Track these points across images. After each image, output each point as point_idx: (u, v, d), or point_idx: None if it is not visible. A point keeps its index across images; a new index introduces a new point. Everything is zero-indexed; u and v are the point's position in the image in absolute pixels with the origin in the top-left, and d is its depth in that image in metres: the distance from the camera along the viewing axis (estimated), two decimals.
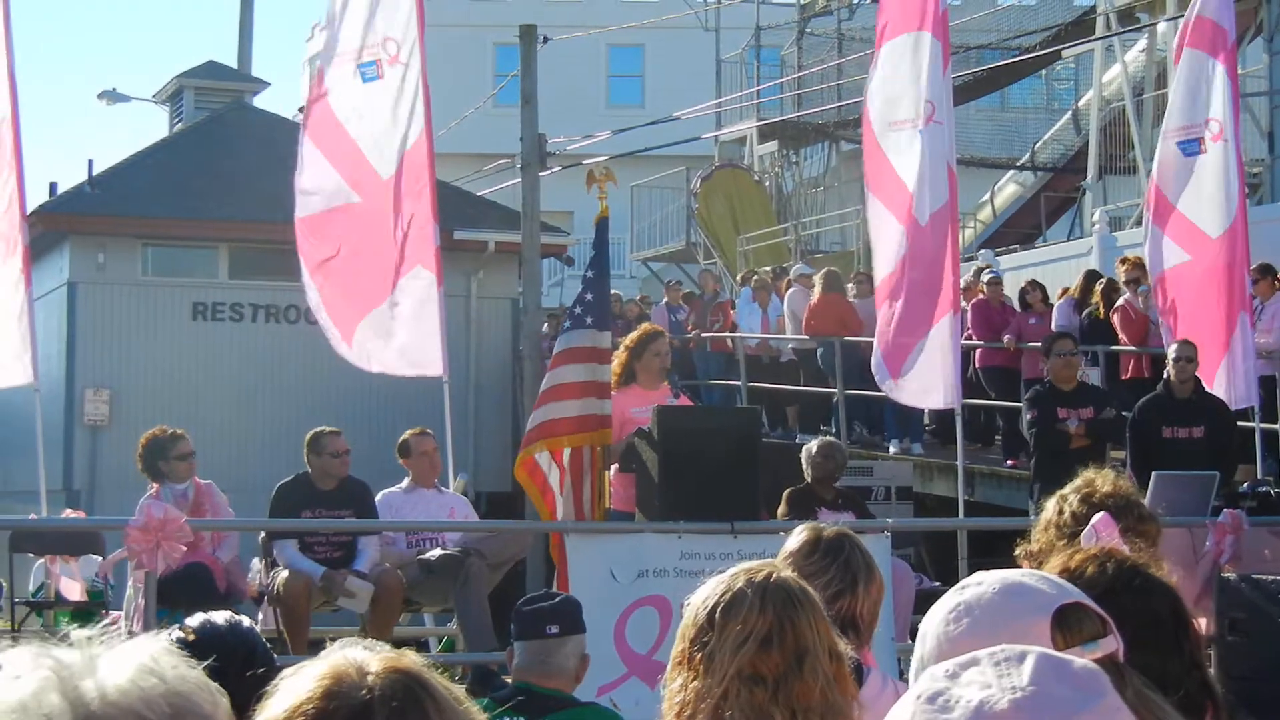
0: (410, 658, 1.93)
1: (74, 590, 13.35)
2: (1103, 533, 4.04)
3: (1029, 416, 13.51)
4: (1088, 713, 1.76)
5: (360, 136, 13.36)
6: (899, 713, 1.84)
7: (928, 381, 12.88)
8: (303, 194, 13.38)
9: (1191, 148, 13.33)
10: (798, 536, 4.56)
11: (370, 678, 1.87)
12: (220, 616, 3.79)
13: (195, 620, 3.75)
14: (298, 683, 1.89)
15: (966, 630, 2.26)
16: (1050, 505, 4.66)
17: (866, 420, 20.89)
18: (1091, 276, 19.28)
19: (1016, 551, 4.73)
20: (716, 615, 3.14)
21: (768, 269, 24.90)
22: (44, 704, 1.55)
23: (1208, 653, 9.04)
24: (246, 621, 3.89)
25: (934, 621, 2.34)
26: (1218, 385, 13.49)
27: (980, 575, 2.42)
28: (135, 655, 1.63)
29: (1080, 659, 1.89)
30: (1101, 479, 4.68)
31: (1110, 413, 13.52)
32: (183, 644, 3.57)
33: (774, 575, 3.23)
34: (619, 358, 11.45)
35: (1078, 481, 4.69)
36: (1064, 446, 13.00)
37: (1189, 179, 13.51)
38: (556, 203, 28.37)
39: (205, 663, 1.72)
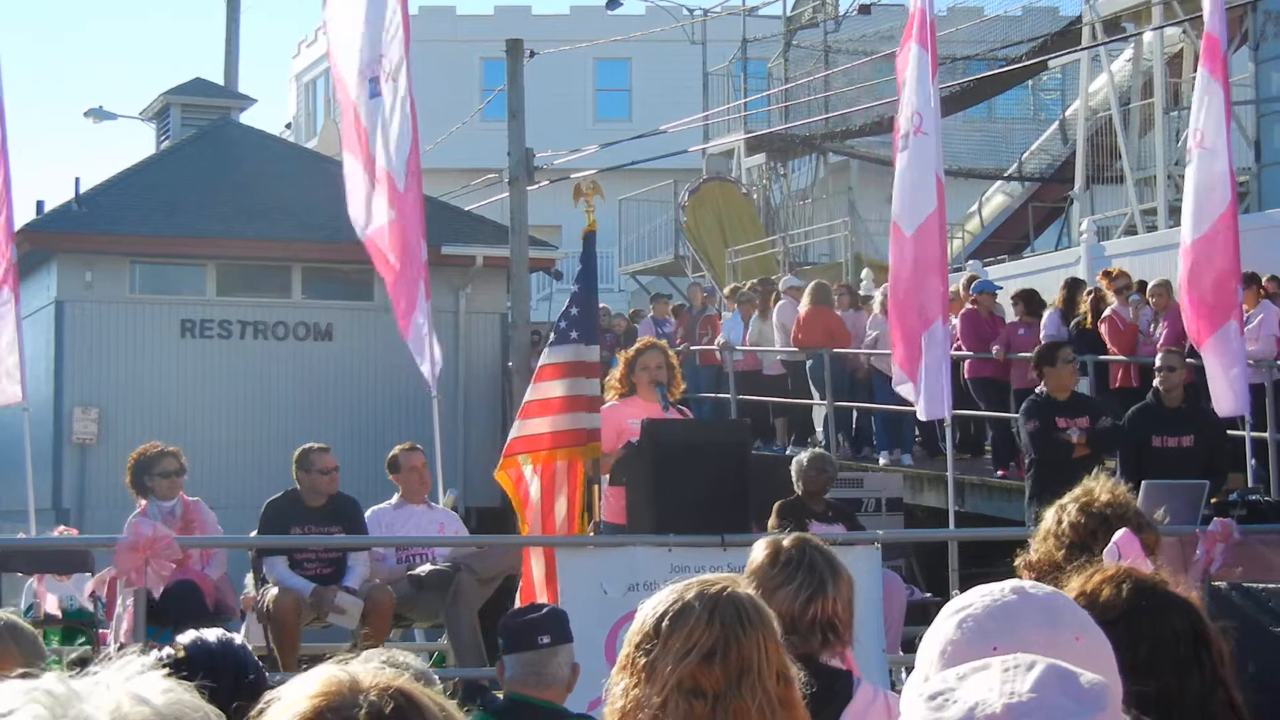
0: (403, 676, 1.90)
1: (52, 604, 13.15)
2: (1125, 551, 4.01)
3: (1030, 427, 13.33)
4: None
5: (377, 153, 13.38)
6: (907, 707, 1.85)
7: (921, 391, 12.83)
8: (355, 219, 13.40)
9: None
10: (759, 551, 4.54)
11: (363, 695, 1.84)
12: (212, 634, 3.76)
13: (186, 638, 3.72)
14: (290, 700, 1.86)
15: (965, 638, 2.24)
16: (1049, 515, 4.65)
17: (849, 432, 20.89)
18: (1073, 285, 19.31)
19: (1016, 562, 4.72)
20: (663, 624, 3.11)
21: (755, 280, 24.86)
22: None
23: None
24: (238, 639, 3.86)
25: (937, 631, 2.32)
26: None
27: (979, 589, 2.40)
28: (124, 682, 1.60)
29: (1090, 674, 1.87)
30: (1100, 488, 4.67)
31: (1106, 422, 13.45)
32: (173, 661, 3.55)
33: (727, 590, 3.17)
34: (619, 369, 11.46)
35: (1076, 491, 4.68)
36: (1066, 456, 12.89)
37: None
38: (544, 217, 28.36)
39: (196, 683, 1.69)
